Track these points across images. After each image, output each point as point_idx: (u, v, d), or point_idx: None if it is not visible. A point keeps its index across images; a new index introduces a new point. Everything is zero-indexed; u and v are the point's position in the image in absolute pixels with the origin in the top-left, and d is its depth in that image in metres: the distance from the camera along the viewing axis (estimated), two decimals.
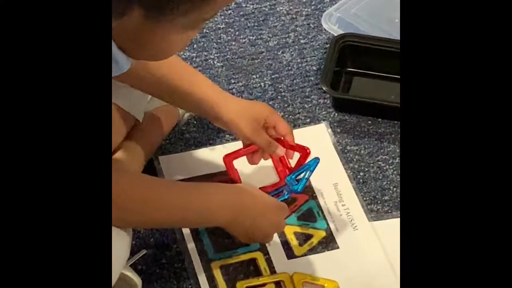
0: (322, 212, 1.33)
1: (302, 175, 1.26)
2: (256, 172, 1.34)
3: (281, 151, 1.27)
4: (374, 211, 1.33)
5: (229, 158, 1.30)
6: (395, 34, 1.55)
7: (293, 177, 1.26)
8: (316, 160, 1.26)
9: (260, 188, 1.25)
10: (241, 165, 1.31)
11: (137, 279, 1.20)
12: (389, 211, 1.33)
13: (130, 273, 1.20)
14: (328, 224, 1.31)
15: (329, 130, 1.44)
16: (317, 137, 1.42)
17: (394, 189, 1.36)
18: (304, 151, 1.28)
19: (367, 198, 1.35)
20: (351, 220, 1.32)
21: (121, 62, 1.04)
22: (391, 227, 1.30)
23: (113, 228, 1.09)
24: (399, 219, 1.30)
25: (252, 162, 1.30)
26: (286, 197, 1.25)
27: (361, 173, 1.38)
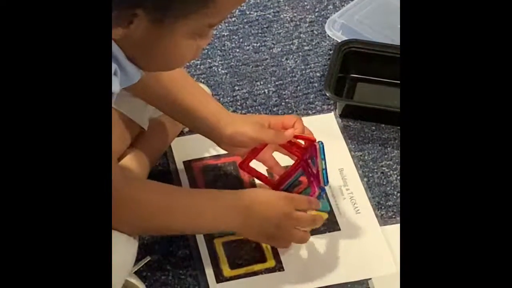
0: (326, 195, 1.34)
1: (320, 167, 1.27)
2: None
3: (289, 133, 1.27)
4: (378, 217, 1.33)
5: (244, 164, 1.32)
6: (398, 40, 1.56)
7: (312, 162, 1.28)
8: (321, 145, 1.26)
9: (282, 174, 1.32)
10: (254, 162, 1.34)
11: (141, 286, 1.21)
12: (393, 216, 1.34)
13: (134, 280, 1.20)
14: (331, 207, 1.33)
15: (337, 119, 1.46)
16: (325, 124, 1.44)
17: (398, 194, 1.36)
18: (310, 141, 1.28)
19: (371, 204, 1.35)
20: (354, 204, 1.34)
21: (131, 73, 1.05)
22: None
23: (122, 235, 1.10)
24: None
25: (264, 159, 1.33)
26: (323, 197, 1.27)
27: (365, 179, 1.38)
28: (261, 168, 1.34)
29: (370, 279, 1.25)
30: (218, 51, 1.58)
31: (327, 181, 1.26)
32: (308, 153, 1.30)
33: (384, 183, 1.38)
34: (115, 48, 1.01)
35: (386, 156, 1.42)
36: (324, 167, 1.26)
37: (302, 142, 1.30)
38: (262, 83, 1.53)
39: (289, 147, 1.32)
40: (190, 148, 1.41)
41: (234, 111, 1.47)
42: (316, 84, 1.53)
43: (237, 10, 1.65)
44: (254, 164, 1.34)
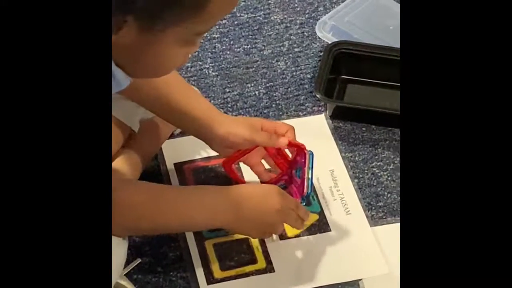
0: (317, 196, 1.35)
1: (306, 175, 1.26)
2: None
3: (284, 141, 1.27)
4: (369, 217, 1.33)
5: (228, 163, 1.33)
6: (389, 41, 1.56)
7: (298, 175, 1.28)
8: (311, 154, 1.27)
9: (266, 182, 1.32)
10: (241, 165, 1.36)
11: None
12: (384, 217, 1.34)
13: (125, 282, 1.20)
14: (322, 208, 1.34)
15: (328, 120, 1.46)
16: (316, 126, 1.45)
17: (389, 195, 1.37)
18: (300, 149, 1.28)
19: (362, 205, 1.35)
20: (345, 205, 1.35)
21: (119, 79, 1.05)
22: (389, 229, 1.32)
23: (114, 237, 1.10)
24: (393, 224, 1.32)
25: (252, 164, 1.33)
26: (304, 203, 1.26)
27: (356, 180, 1.39)
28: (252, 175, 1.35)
29: (361, 279, 1.26)
30: (209, 53, 1.58)
31: (311, 190, 1.26)
32: (294, 164, 1.29)
33: (375, 184, 1.39)
34: None
35: (376, 157, 1.42)
36: (310, 176, 1.26)
37: (290, 154, 1.31)
38: (252, 85, 1.53)
39: (276, 158, 1.32)
40: (180, 150, 1.41)
41: (224, 113, 1.46)
42: (306, 86, 1.53)
43: None
44: (244, 168, 1.34)
